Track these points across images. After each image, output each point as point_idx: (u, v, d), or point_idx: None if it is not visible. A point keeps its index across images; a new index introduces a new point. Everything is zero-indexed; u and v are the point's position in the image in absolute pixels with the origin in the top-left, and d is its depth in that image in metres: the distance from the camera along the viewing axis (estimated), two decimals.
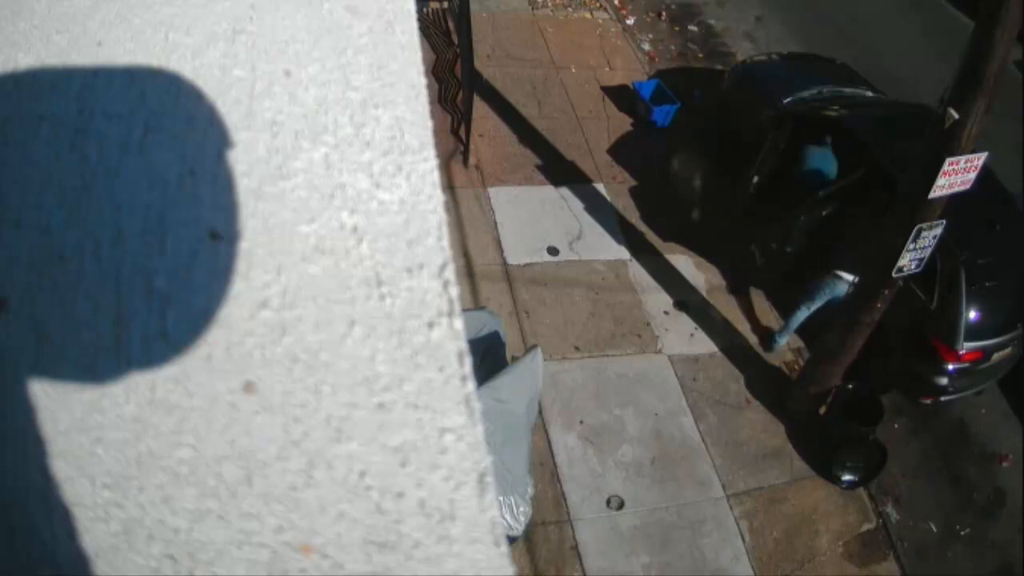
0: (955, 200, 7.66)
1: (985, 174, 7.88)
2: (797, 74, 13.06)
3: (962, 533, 9.30)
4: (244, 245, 0.99)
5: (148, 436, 0.87)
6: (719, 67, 15.08)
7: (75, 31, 1.31)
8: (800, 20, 16.98)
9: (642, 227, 11.65)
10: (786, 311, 10.54)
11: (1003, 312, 9.47)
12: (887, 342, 9.51)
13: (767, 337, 10.46)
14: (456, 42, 14.00)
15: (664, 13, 17.21)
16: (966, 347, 9.18)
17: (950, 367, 9.28)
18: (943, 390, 9.49)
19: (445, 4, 15.33)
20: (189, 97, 1.21)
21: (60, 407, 0.87)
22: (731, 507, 9.03)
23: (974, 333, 9.21)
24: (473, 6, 13.16)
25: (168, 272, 0.95)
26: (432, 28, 14.60)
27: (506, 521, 7.13)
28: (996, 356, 9.50)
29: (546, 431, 9.06)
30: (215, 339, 0.90)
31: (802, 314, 9.99)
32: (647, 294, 10.74)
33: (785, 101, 12.08)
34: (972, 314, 9.19)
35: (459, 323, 0.95)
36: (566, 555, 8.38)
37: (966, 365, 9.32)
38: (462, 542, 0.87)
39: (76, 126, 1.12)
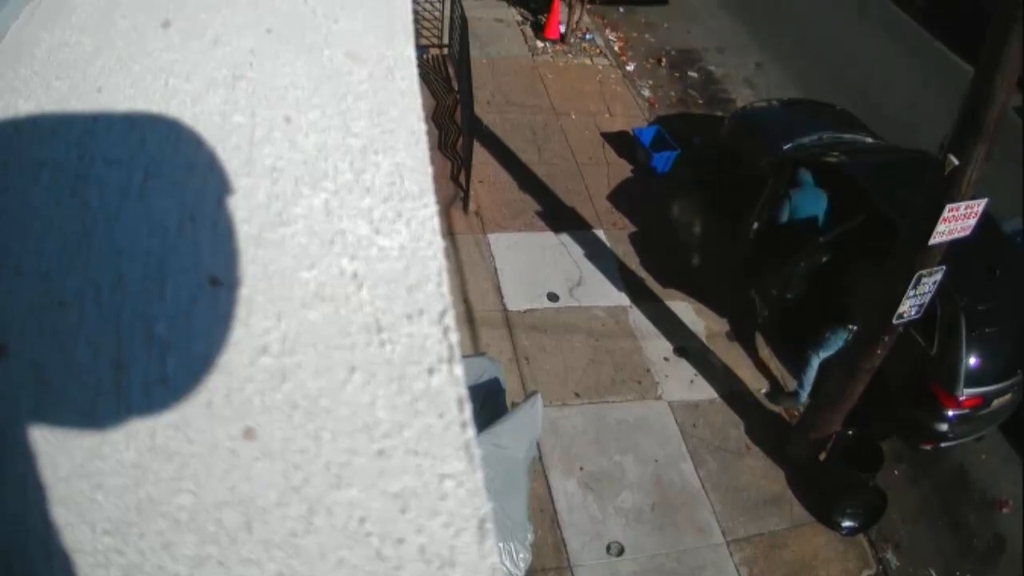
0: (955, 246, 7.71)
1: (985, 220, 7.96)
2: (797, 120, 13.24)
3: None
4: (244, 291, 1.00)
5: (148, 482, 0.88)
6: (719, 113, 15.22)
7: (75, 77, 1.34)
8: (800, 66, 17.14)
9: (642, 273, 11.70)
10: (794, 363, 10.58)
11: (1003, 358, 9.51)
12: (887, 388, 9.53)
13: (779, 392, 10.45)
14: (456, 88, 14.13)
15: (664, 59, 17.40)
16: (966, 393, 9.18)
17: (950, 413, 9.28)
18: (943, 436, 9.45)
19: (445, 50, 15.49)
20: (189, 143, 1.23)
21: (60, 452, 0.88)
22: (731, 553, 8.97)
23: (974, 379, 9.21)
24: (473, 52, 13.30)
25: (168, 318, 0.96)
26: (432, 74, 14.74)
27: (506, 567, 7.13)
28: (996, 402, 9.50)
29: (546, 477, 9.04)
30: (215, 385, 0.91)
31: (815, 365, 10.00)
32: (647, 340, 10.76)
33: (785, 147, 12.24)
34: (972, 360, 9.21)
35: (459, 369, 0.96)
36: None
37: (966, 411, 9.32)
38: None
39: (76, 172, 1.14)
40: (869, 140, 12.66)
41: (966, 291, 9.35)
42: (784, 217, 11.05)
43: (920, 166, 9.11)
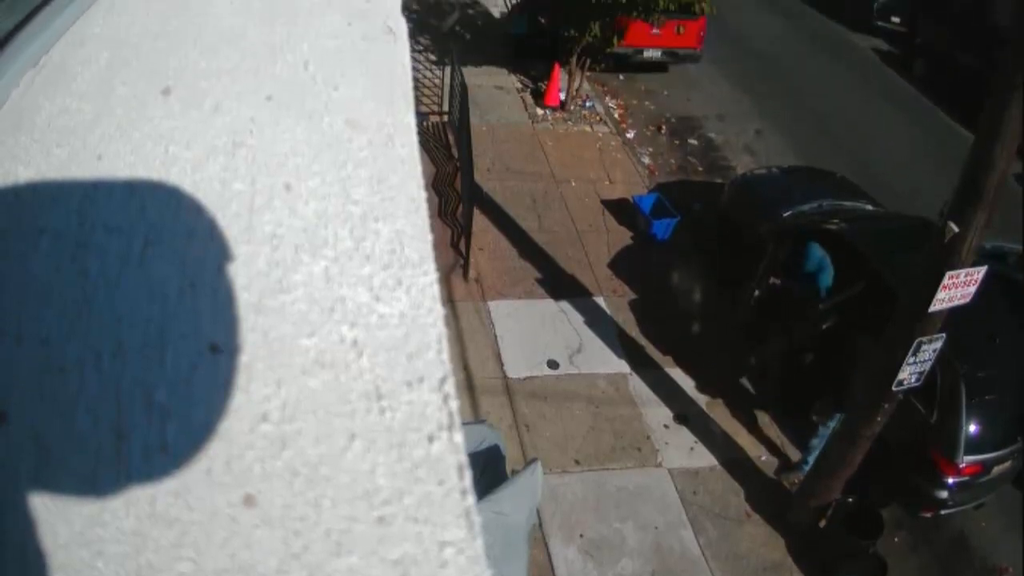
0: (955, 311, 7.75)
1: (985, 286, 8.07)
2: (796, 187, 13.36)
3: None
4: (244, 358, 1.02)
5: (148, 550, 0.88)
6: (719, 180, 15.40)
7: (75, 144, 1.36)
8: (800, 133, 17.36)
9: (642, 340, 11.76)
10: (794, 430, 10.63)
11: (1003, 425, 9.54)
12: (887, 454, 9.52)
13: (786, 468, 10.45)
14: (456, 155, 14.30)
15: (664, 127, 17.60)
16: (966, 460, 9.21)
17: (950, 480, 9.29)
18: (943, 503, 9.46)
19: (445, 117, 15.69)
20: (189, 210, 1.25)
21: (60, 520, 0.89)
22: None
23: (974, 446, 9.24)
24: (473, 119, 13.48)
25: (168, 385, 0.97)
26: (432, 141, 14.92)
27: None
28: (996, 469, 9.52)
29: (546, 544, 9.02)
30: (215, 452, 0.92)
31: (824, 435, 10.00)
32: (647, 407, 10.79)
33: (785, 214, 12.37)
34: (972, 427, 9.24)
35: (459, 437, 0.98)
36: None
37: (966, 478, 9.33)
38: None
39: (76, 239, 1.16)
40: (869, 207, 12.80)
41: (966, 357, 9.40)
42: (785, 282, 11.15)
43: (920, 233, 9.28)
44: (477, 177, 12.92)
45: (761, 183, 13.93)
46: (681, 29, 18.01)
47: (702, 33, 18.39)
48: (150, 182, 1.30)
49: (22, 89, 1.52)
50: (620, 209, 14.33)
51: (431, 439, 0.97)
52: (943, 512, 9.57)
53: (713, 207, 14.13)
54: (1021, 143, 6.80)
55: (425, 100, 15.92)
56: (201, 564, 0.89)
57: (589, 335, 11.64)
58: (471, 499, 0.95)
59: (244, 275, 1.14)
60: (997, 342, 9.89)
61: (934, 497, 9.42)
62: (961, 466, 9.23)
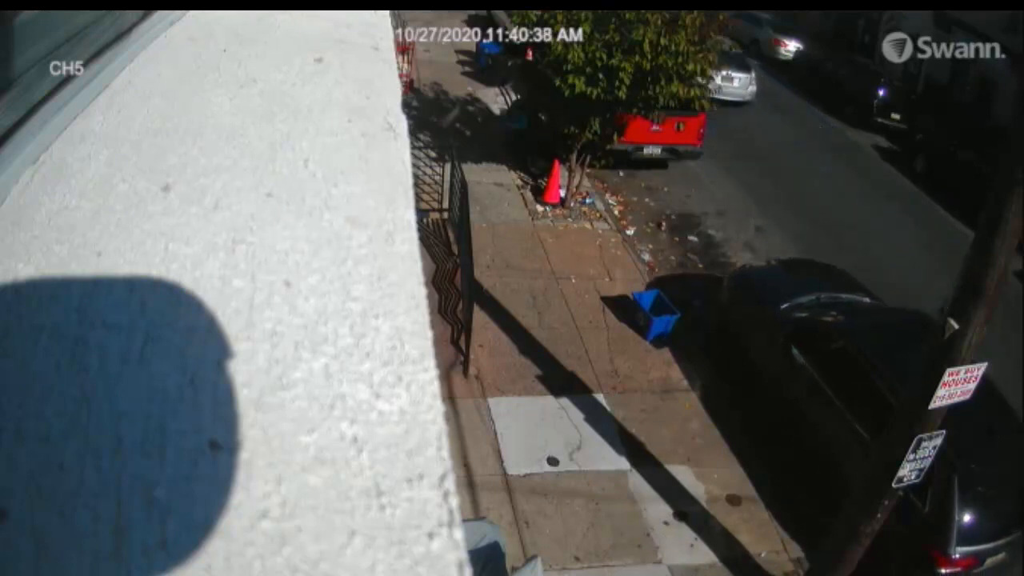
0: (953, 406, 7.84)
1: (983, 383, 8.30)
2: (795, 280, 13.87)
3: None
4: (244, 456, 1.04)
5: None
6: (719, 274, 15.53)
7: (75, 241, 1.40)
8: (801, 230, 17.56)
9: (642, 437, 11.82)
10: (799, 531, 10.68)
11: (997, 517, 9.79)
12: (884, 548, 9.54)
13: None
14: (456, 252, 14.44)
15: (664, 223, 17.80)
16: (960, 552, 9.43)
17: (944, 571, 9.49)
18: None
19: (445, 214, 15.88)
20: (189, 307, 1.28)
21: None
22: None
23: (968, 538, 9.48)
24: (473, 216, 13.68)
25: (168, 482, 0.99)
26: (432, 238, 15.10)
27: None
28: (990, 560, 9.70)
29: None
30: (215, 549, 0.93)
31: None
32: (647, 504, 10.86)
33: (783, 307, 12.71)
34: (966, 519, 9.50)
35: (459, 534, 0.99)
36: None
37: (959, 571, 9.53)
38: None
39: (76, 336, 1.19)
40: (867, 300, 13.21)
41: (960, 450, 9.60)
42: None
43: (916, 328, 10.18)
44: (477, 274, 13.05)
45: (759, 276, 14.51)
46: (681, 126, 18.35)
47: (702, 130, 18.72)
48: (150, 279, 1.33)
49: (22, 186, 1.56)
50: (620, 306, 14.46)
51: (431, 536, 0.98)
52: None
53: (713, 304, 14.31)
54: (1021, 239, 6.89)
55: (425, 197, 16.13)
56: None
57: (589, 432, 11.73)
58: None
59: (244, 372, 1.16)
60: (990, 434, 10.19)
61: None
62: (955, 558, 9.47)
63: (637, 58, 14.78)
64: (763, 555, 10.48)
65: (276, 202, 1.58)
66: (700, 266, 16.55)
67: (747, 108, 24.26)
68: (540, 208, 17.42)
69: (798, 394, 11.76)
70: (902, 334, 11.29)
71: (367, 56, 2.44)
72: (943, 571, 9.53)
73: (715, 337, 13.91)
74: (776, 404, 12.21)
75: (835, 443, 10.99)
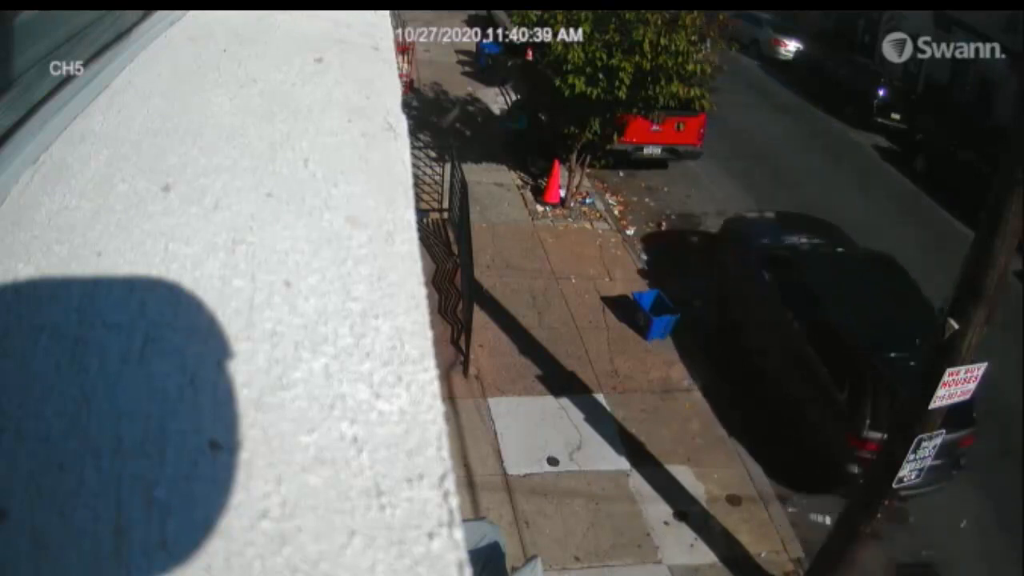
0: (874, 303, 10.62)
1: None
2: (783, 227, 15.59)
3: None
4: (244, 455, 1.04)
5: None
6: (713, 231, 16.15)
7: (75, 241, 1.40)
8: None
9: (642, 437, 11.83)
10: (799, 530, 10.79)
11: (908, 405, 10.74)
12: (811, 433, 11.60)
13: None
14: (456, 252, 14.45)
15: (664, 223, 17.76)
16: (870, 436, 10.78)
17: (858, 454, 10.88)
18: (855, 479, 10.64)
19: (445, 214, 15.88)
20: (189, 307, 1.28)
21: None
22: None
23: (879, 425, 10.74)
24: (473, 216, 13.69)
25: (168, 482, 0.99)
26: (432, 238, 15.12)
27: None
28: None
29: None
30: (215, 549, 0.93)
31: None
32: (647, 504, 10.89)
33: (764, 242, 14.55)
34: (877, 407, 10.97)
35: (459, 533, 0.99)
36: None
37: (869, 453, 10.68)
38: None
39: (76, 336, 1.19)
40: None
41: (872, 342, 11.52)
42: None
43: (878, 266, 13.05)
44: (477, 274, 13.07)
45: (751, 221, 16.16)
46: (681, 126, 18.36)
47: (702, 130, 18.73)
48: (150, 279, 1.33)
49: (22, 186, 1.56)
50: (620, 306, 14.49)
51: (431, 536, 0.98)
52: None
53: (713, 307, 14.49)
54: (1021, 239, 6.90)
55: (425, 197, 16.14)
56: None
57: (589, 432, 11.75)
58: None
59: (244, 372, 1.16)
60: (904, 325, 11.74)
61: (848, 473, 10.95)
62: (866, 439, 10.91)
63: (637, 58, 14.79)
64: (763, 555, 10.51)
65: (276, 202, 1.58)
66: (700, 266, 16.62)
67: (747, 108, 24.25)
68: (540, 208, 17.42)
69: (763, 314, 13.29)
70: (862, 270, 13.55)
71: (367, 56, 2.44)
72: (856, 451, 10.91)
73: (714, 338, 14.15)
74: (746, 322, 13.77)
75: (785, 361, 12.50)
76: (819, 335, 11.96)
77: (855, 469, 10.85)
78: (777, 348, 12.92)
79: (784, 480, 11.72)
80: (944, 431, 8.07)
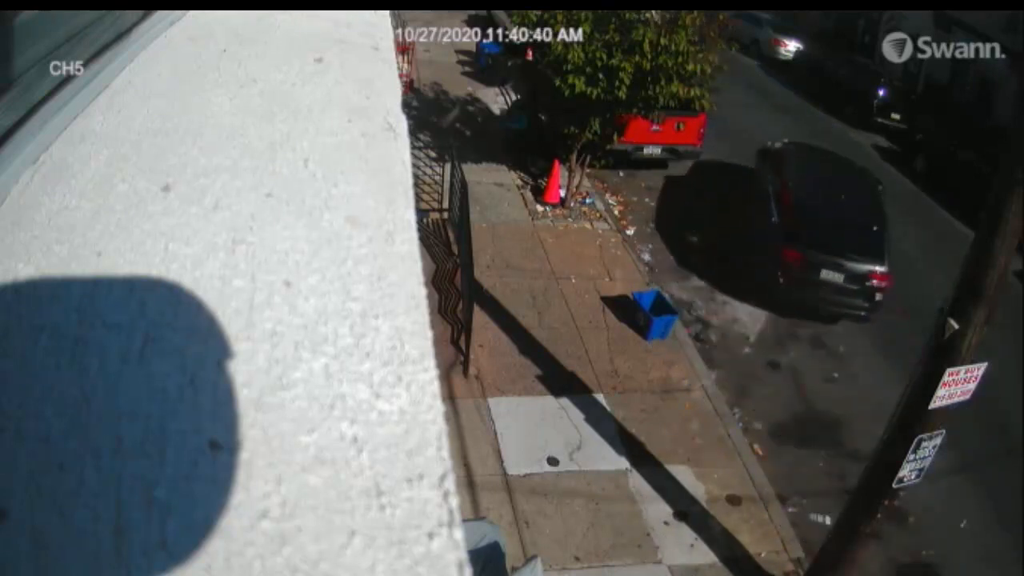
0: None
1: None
2: (796, 146, 19.54)
3: None
4: (244, 455, 1.04)
5: None
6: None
7: (75, 241, 1.40)
8: None
9: (642, 437, 11.83)
10: (800, 530, 10.80)
11: (829, 229, 15.38)
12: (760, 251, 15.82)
13: None
14: (456, 252, 14.44)
15: None
16: (799, 250, 14.91)
17: (788, 263, 14.93)
18: (787, 293, 15.21)
19: (445, 214, 15.88)
20: (189, 307, 1.28)
21: None
22: None
23: (804, 243, 15.05)
24: (473, 216, 13.69)
25: (168, 482, 0.99)
26: (432, 238, 15.11)
27: None
28: (824, 274, 14.83)
29: None
30: (215, 549, 0.93)
31: None
32: (647, 504, 10.88)
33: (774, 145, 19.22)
34: (797, 228, 15.40)
35: (459, 533, 0.99)
36: None
37: (792, 266, 14.92)
38: None
39: (76, 336, 1.19)
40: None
41: (795, 170, 17.29)
42: None
43: (852, 172, 18.39)
44: (477, 274, 13.08)
45: (773, 144, 19.39)
46: (681, 126, 18.38)
47: (702, 130, 18.76)
48: (150, 279, 1.33)
49: (22, 186, 1.56)
50: (620, 306, 14.50)
51: (431, 536, 0.98)
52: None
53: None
54: (1021, 239, 6.90)
55: (425, 197, 16.13)
56: None
57: (589, 432, 11.76)
58: None
59: (244, 372, 1.16)
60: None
61: (775, 277, 15.11)
62: (788, 252, 14.91)
63: (637, 58, 14.79)
64: (763, 555, 10.50)
65: (276, 202, 1.58)
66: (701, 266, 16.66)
67: (747, 108, 24.26)
68: (540, 208, 17.42)
69: (750, 189, 18.08)
70: (835, 171, 18.17)
71: (367, 56, 2.44)
72: (788, 263, 14.91)
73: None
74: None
75: (751, 206, 17.10)
76: (779, 194, 16.42)
77: (780, 279, 15.08)
78: (752, 201, 17.28)
79: (728, 289, 15.76)
80: (943, 431, 8.06)
